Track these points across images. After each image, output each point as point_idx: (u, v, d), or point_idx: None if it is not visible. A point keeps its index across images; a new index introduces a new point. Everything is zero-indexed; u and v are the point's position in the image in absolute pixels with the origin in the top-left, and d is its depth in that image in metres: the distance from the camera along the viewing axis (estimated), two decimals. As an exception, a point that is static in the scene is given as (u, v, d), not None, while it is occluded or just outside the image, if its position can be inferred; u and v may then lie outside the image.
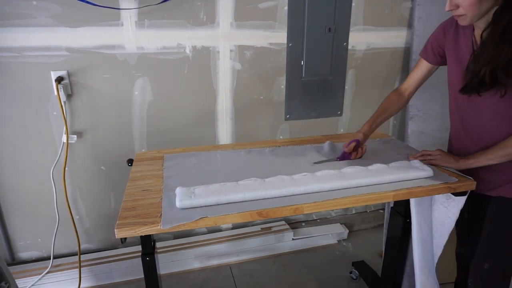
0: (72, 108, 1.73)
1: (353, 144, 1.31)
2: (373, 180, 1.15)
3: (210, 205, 1.03)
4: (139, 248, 1.76)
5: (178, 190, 1.06)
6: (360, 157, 1.35)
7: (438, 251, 1.35)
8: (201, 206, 1.02)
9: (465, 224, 1.36)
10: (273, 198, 1.07)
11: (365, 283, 1.86)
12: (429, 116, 2.16)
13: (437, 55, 1.30)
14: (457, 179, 1.17)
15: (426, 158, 1.28)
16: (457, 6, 1.04)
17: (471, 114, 1.20)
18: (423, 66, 1.36)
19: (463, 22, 1.08)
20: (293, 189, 1.09)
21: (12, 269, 1.81)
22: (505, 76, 1.02)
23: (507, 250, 1.22)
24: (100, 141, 1.81)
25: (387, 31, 2.06)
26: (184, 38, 1.75)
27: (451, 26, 1.22)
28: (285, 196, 1.08)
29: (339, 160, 1.32)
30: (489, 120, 1.15)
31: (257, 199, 1.06)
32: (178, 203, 1.01)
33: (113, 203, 1.94)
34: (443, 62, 1.30)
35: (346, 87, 2.12)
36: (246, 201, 1.05)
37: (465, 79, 1.12)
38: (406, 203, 1.40)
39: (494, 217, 1.22)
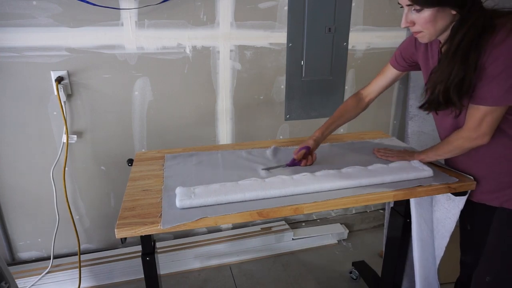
0: (72, 108, 1.73)
1: (303, 151, 1.26)
2: (373, 180, 1.15)
3: (210, 205, 1.03)
4: (139, 248, 1.76)
5: (178, 190, 1.06)
6: (311, 164, 1.29)
7: (440, 252, 1.34)
8: (201, 206, 1.02)
9: (468, 236, 1.32)
10: (273, 198, 1.07)
11: (365, 283, 1.86)
12: (429, 116, 2.14)
13: (407, 64, 1.28)
14: (457, 179, 1.17)
15: (385, 154, 1.34)
16: (413, 23, 1.00)
17: (441, 127, 1.22)
18: (390, 73, 1.33)
19: (422, 39, 1.04)
20: (293, 189, 1.09)
21: (12, 269, 1.81)
22: (456, 96, 1.00)
23: (510, 265, 1.17)
24: (100, 141, 1.81)
25: (387, 31, 2.06)
26: (184, 38, 1.75)
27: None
28: (285, 196, 1.08)
29: (288, 167, 1.27)
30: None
31: (257, 199, 1.06)
32: (178, 203, 1.01)
33: (113, 203, 1.94)
34: (416, 68, 1.28)
35: (346, 87, 2.12)
36: (246, 201, 1.05)
37: (424, 96, 1.09)
38: (406, 203, 1.40)
39: (498, 230, 1.17)
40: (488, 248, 1.18)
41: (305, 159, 1.28)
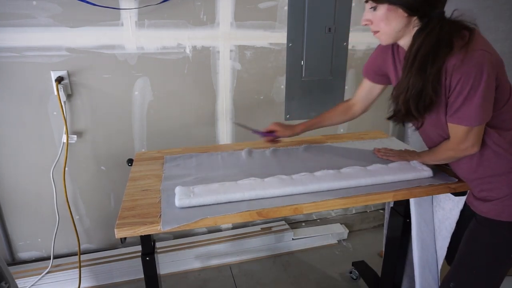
0: (72, 108, 1.73)
1: (270, 137, 1.40)
2: (373, 180, 1.15)
3: (209, 204, 1.03)
4: (139, 248, 1.76)
5: (177, 189, 1.06)
6: (272, 141, 1.42)
7: (442, 253, 1.34)
8: (200, 206, 1.02)
9: (452, 238, 1.32)
10: (272, 197, 1.07)
11: (365, 283, 1.86)
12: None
13: (379, 75, 1.26)
14: (457, 179, 1.17)
15: (385, 153, 1.33)
16: (371, 22, 1.02)
17: (423, 134, 1.22)
18: (365, 84, 1.31)
19: (380, 39, 1.05)
20: (292, 188, 1.09)
21: (12, 269, 1.81)
22: (415, 108, 1.00)
23: (473, 276, 1.13)
24: (100, 141, 1.81)
25: (387, 31, 2.05)
26: (184, 38, 1.75)
27: (389, 47, 1.18)
28: (285, 195, 1.08)
29: (254, 133, 1.40)
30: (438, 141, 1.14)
31: (257, 199, 1.06)
32: (177, 202, 1.01)
33: (113, 203, 1.94)
34: (388, 82, 1.25)
35: (346, 87, 2.12)
36: (245, 200, 1.05)
37: (391, 107, 1.09)
38: (406, 203, 1.40)
39: (468, 236, 1.15)
40: (458, 254, 1.17)
41: (270, 139, 1.41)
